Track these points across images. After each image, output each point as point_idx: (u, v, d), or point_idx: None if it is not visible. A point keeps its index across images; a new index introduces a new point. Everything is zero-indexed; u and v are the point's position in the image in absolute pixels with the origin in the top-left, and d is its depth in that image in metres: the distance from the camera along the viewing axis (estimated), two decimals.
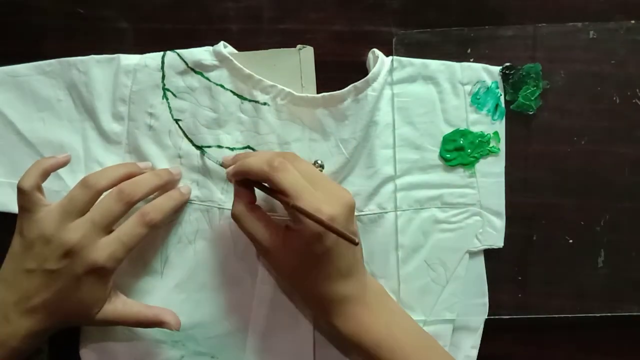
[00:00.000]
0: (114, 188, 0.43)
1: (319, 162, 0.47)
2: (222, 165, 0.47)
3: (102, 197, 0.43)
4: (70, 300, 0.42)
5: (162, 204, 0.46)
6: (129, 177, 0.45)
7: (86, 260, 0.41)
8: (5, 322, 0.41)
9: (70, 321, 0.45)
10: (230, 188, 0.49)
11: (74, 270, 0.41)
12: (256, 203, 0.45)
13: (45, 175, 0.44)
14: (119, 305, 0.44)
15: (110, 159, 0.49)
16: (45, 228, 0.42)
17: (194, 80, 0.49)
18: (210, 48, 0.49)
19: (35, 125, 0.49)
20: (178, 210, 0.48)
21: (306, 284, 0.43)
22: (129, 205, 0.43)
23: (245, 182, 0.44)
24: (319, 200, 0.40)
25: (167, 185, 0.47)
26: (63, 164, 0.45)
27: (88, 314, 0.43)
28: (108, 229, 0.43)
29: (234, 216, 0.43)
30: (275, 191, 0.41)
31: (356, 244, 0.38)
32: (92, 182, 0.43)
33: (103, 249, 0.42)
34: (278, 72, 0.49)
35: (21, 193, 0.43)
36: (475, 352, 0.49)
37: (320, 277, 0.41)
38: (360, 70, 0.50)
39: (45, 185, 0.49)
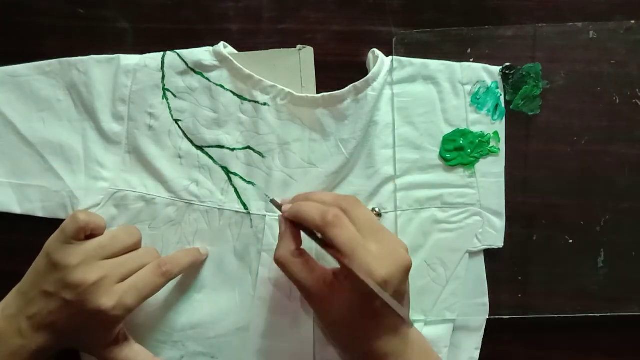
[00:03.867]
0: (154, 262, 0.44)
1: (377, 209, 0.46)
2: (276, 205, 0.44)
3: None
4: (79, 331, 0.42)
5: (180, 258, 0.46)
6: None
7: (94, 303, 0.41)
8: (19, 334, 0.42)
9: (79, 347, 0.45)
10: (230, 189, 0.49)
11: (83, 308, 0.41)
12: None
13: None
14: (125, 350, 0.44)
15: (110, 159, 0.49)
16: (72, 259, 0.41)
17: (194, 80, 0.49)
18: (210, 48, 0.49)
19: (35, 125, 0.49)
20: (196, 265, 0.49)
21: (349, 336, 0.41)
22: (167, 279, 0.44)
23: (295, 224, 0.42)
24: (373, 260, 0.37)
25: (196, 262, 0.48)
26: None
27: (92, 349, 0.44)
28: (125, 277, 0.43)
29: (278, 260, 0.42)
30: (328, 245, 0.39)
31: (405, 319, 0.37)
32: (139, 234, 0.45)
33: (113, 296, 0.41)
34: (278, 72, 0.49)
35: (75, 221, 0.42)
36: (477, 353, 0.49)
37: (365, 332, 0.40)
38: (360, 70, 0.50)
39: (45, 185, 0.49)
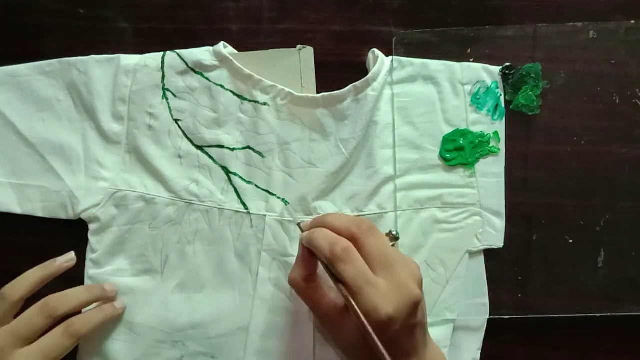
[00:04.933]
0: (40, 301, 0.43)
1: (394, 232, 0.43)
2: (301, 228, 0.43)
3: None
4: None
5: (90, 317, 0.45)
6: (44, 282, 0.44)
7: None
8: None
9: None
10: (230, 188, 0.49)
11: None
12: None
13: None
14: None
15: (110, 159, 0.49)
16: None
17: (193, 80, 0.49)
18: (210, 48, 0.49)
19: (35, 126, 0.49)
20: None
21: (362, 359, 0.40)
22: (52, 319, 0.42)
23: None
24: (379, 297, 0.37)
25: (98, 300, 0.46)
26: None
27: None
28: (29, 340, 0.42)
29: (291, 284, 0.42)
30: (337, 279, 0.39)
31: None
32: (7, 293, 0.42)
33: None
34: (278, 72, 0.49)
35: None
36: (479, 354, 0.49)
37: (377, 357, 0.39)
38: (360, 70, 0.50)
39: (45, 185, 0.49)
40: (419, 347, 0.40)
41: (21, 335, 0.41)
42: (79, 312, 0.45)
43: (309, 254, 0.41)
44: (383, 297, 0.37)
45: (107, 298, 0.47)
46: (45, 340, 0.42)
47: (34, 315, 0.42)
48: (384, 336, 0.37)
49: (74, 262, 0.46)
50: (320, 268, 0.42)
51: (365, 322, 0.36)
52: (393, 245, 0.41)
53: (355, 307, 0.37)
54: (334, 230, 0.40)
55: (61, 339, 0.42)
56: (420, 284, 0.39)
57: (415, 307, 0.38)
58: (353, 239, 0.39)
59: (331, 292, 0.42)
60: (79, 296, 0.45)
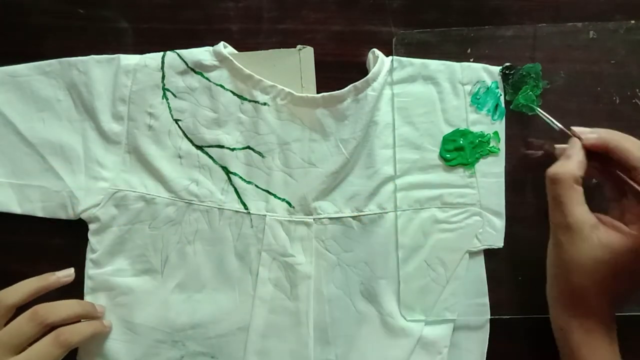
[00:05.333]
0: (29, 310, 0.42)
1: None
2: (573, 133, 0.43)
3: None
4: None
5: (80, 328, 0.44)
6: (40, 292, 0.44)
7: None
8: None
9: None
10: (230, 188, 0.49)
11: None
12: None
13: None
14: None
15: (110, 159, 0.49)
16: None
17: (193, 80, 0.49)
18: (210, 48, 0.49)
19: (35, 125, 0.49)
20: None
21: (590, 280, 0.40)
22: (42, 327, 0.42)
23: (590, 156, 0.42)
24: None
25: (88, 316, 0.46)
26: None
27: None
28: (18, 348, 0.41)
29: (556, 177, 0.41)
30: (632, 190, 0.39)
31: None
32: (1, 297, 0.42)
33: None
34: (278, 72, 0.49)
35: None
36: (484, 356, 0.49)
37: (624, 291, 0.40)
38: (360, 70, 0.50)
39: (45, 185, 0.49)
40: None
41: (10, 343, 0.41)
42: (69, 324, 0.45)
43: (585, 157, 0.41)
44: None
45: (96, 315, 0.47)
46: (34, 350, 0.41)
47: (23, 323, 0.42)
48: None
49: (72, 278, 0.46)
50: None
51: None
52: None
53: None
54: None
55: (50, 347, 0.42)
56: None
57: None
58: None
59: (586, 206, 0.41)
60: (69, 308, 0.44)
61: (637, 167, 0.40)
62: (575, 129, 0.44)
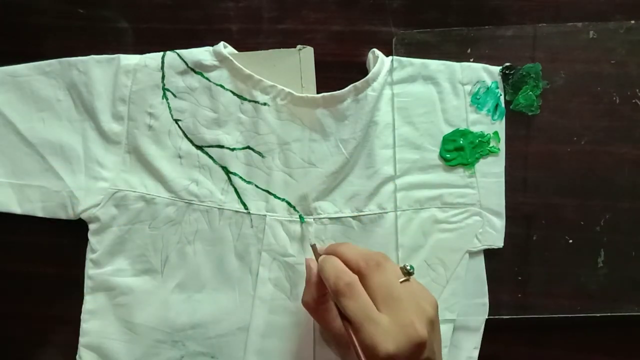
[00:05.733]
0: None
1: (408, 267, 0.40)
2: (315, 251, 0.43)
3: None
4: None
5: None
6: None
7: None
8: None
9: None
10: (230, 188, 0.49)
11: None
12: None
13: None
14: None
15: (110, 159, 0.49)
16: None
17: (193, 80, 0.49)
18: (210, 48, 0.49)
19: (35, 125, 0.49)
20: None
21: None
22: None
23: None
24: (380, 334, 0.36)
25: None
26: None
27: None
28: None
29: (303, 305, 0.42)
30: (340, 313, 0.39)
31: None
32: None
33: None
34: (278, 72, 0.49)
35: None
36: (476, 353, 0.49)
37: None
38: (360, 70, 0.50)
39: (45, 185, 0.49)
40: None
41: None
42: None
43: (320, 278, 0.41)
44: (384, 334, 0.36)
45: None
46: None
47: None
48: None
49: None
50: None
51: (364, 359, 0.36)
52: (406, 280, 0.39)
53: (356, 343, 0.36)
54: (343, 261, 0.40)
55: None
56: (430, 323, 0.38)
57: (418, 347, 0.37)
58: (360, 273, 0.39)
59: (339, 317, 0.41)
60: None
61: (331, 293, 0.39)
62: (320, 249, 0.43)
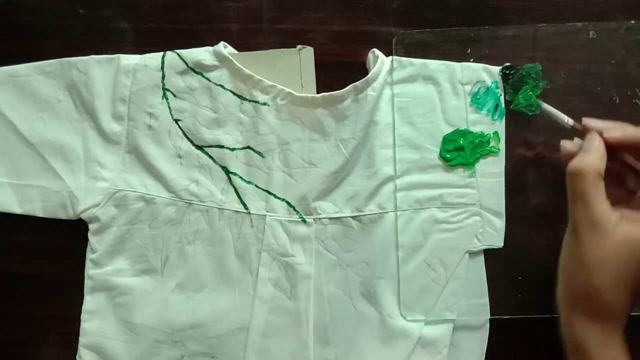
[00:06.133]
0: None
1: None
2: (583, 125, 0.42)
3: None
4: None
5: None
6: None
7: None
8: None
9: None
10: (230, 188, 0.49)
11: None
12: None
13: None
14: None
15: (110, 159, 0.49)
16: None
17: (193, 80, 0.49)
18: (210, 48, 0.49)
19: (35, 125, 0.49)
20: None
21: (613, 279, 0.38)
22: None
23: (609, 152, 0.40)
24: None
25: None
26: None
27: None
28: None
29: (578, 170, 0.39)
30: None
31: None
32: None
33: None
34: (278, 72, 0.49)
35: None
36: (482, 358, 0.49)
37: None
38: (360, 70, 0.50)
39: (45, 185, 0.49)
40: None
41: None
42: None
43: (607, 147, 0.40)
44: None
45: None
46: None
47: None
48: None
49: None
50: None
51: None
52: None
53: None
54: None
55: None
56: None
57: None
58: None
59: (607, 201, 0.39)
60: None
61: None
62: (586, 120, 0.43)
